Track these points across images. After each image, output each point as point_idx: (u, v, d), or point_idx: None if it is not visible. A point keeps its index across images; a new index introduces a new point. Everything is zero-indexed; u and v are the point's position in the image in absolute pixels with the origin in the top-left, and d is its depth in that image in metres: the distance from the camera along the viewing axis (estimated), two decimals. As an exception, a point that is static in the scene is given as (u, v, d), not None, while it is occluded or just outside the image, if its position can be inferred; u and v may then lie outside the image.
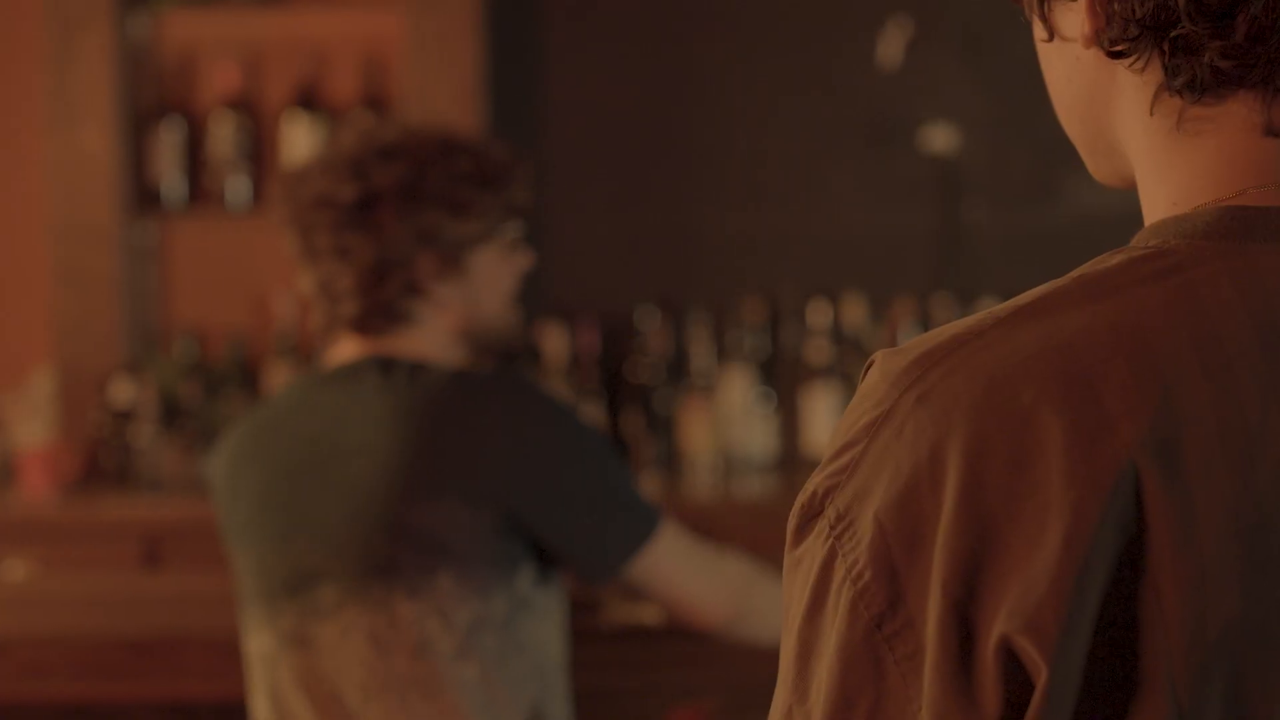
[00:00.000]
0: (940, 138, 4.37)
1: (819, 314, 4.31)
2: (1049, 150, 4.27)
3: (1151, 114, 1.00)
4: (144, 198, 4.32)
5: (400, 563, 2.23)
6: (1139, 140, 1.02)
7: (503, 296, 2.42)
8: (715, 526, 3.96)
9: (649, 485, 4.04)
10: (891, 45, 4.31)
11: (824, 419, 4.22)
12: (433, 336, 2.38)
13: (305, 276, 2.38)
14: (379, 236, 2.32)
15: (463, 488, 2.22)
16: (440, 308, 2.37)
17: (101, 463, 4.25)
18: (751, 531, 3.80)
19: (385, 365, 2.32)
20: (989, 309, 0.97)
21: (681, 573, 2.34)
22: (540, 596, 2.28)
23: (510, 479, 2.23)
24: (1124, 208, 1.02)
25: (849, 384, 4.23)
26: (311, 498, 2.29)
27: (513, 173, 2.41)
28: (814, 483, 0.97)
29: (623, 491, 2.31)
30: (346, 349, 2.39)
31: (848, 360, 4.26)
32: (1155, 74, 0.99)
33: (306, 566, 2.29)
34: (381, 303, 2.34)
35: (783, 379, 4.35)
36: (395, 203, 2.32)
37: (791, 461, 4.29)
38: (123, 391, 4.21)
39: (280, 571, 2.31)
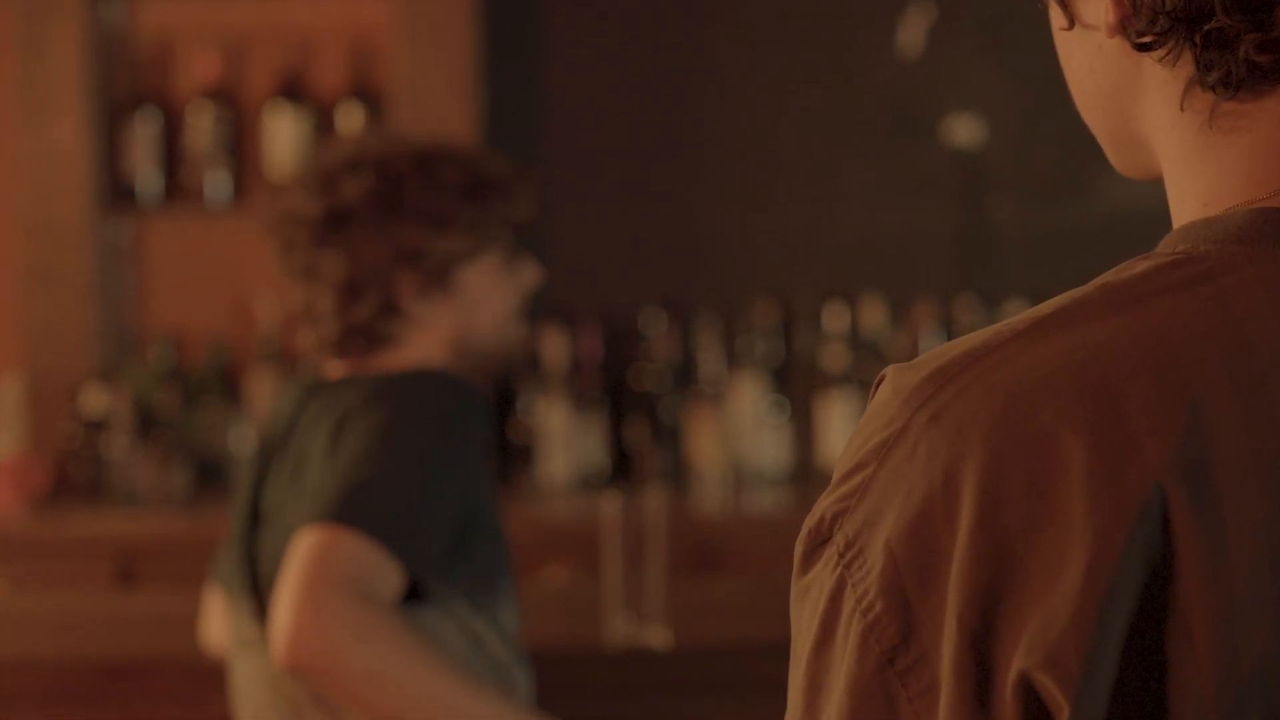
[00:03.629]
0: (964, 130, 4.37)
1: (835, 317, 4.31)
2: (1078, 143, 4.25)
3: (1181, 109, 1.00)
4: (118, 194, 4.33)
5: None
6: (1167, 136, 1.02)
7: (498, 316, 2.40)
8: (724, 543, 3.96)
9: (651, 498, 4.04)
10: (912, 32, 4.31)
11: (840, 429, 4.22)
12: (420, 356, 2.36)
13: (291, 296, 2.39)
14: (351, 255, 2.31)
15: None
16: (425, 328, 2.36)
17: (73, 475, 4.25)
18: (762, 549, 3.80)
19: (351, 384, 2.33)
20: (1007, 321, 0.97)
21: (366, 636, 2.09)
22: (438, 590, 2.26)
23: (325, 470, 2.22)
24: (1158, 204, 1.01)
25: (866, 392, 4.23)
26: (271, 520, 2.34)
27: (509, 183, 2.39)
28: (822, 507, 0.97)
29: (381, 479, 2.16)
30: (340, 368, 2.40)
31: (865, 367, 4.25)
32: (1186, 68, 0.99)
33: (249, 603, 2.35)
34: (358, 325, 2.33)
35: (796, 386, 4.35)
36: (368, 218, 2.31)
37: (805, 474, 4.29)
38: (95, 400, 4.22)
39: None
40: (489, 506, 2.30)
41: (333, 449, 2.23)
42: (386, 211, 2.31)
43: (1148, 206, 4.21)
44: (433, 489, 2.19)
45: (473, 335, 2.38)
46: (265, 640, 2.27)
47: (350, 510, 2.13)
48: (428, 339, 2.36)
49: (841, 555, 0.95)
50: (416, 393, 2.26)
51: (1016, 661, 0.89)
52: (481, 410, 2.30)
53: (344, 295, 2.32)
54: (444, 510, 2.20)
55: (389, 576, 2.12)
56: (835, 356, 4.28)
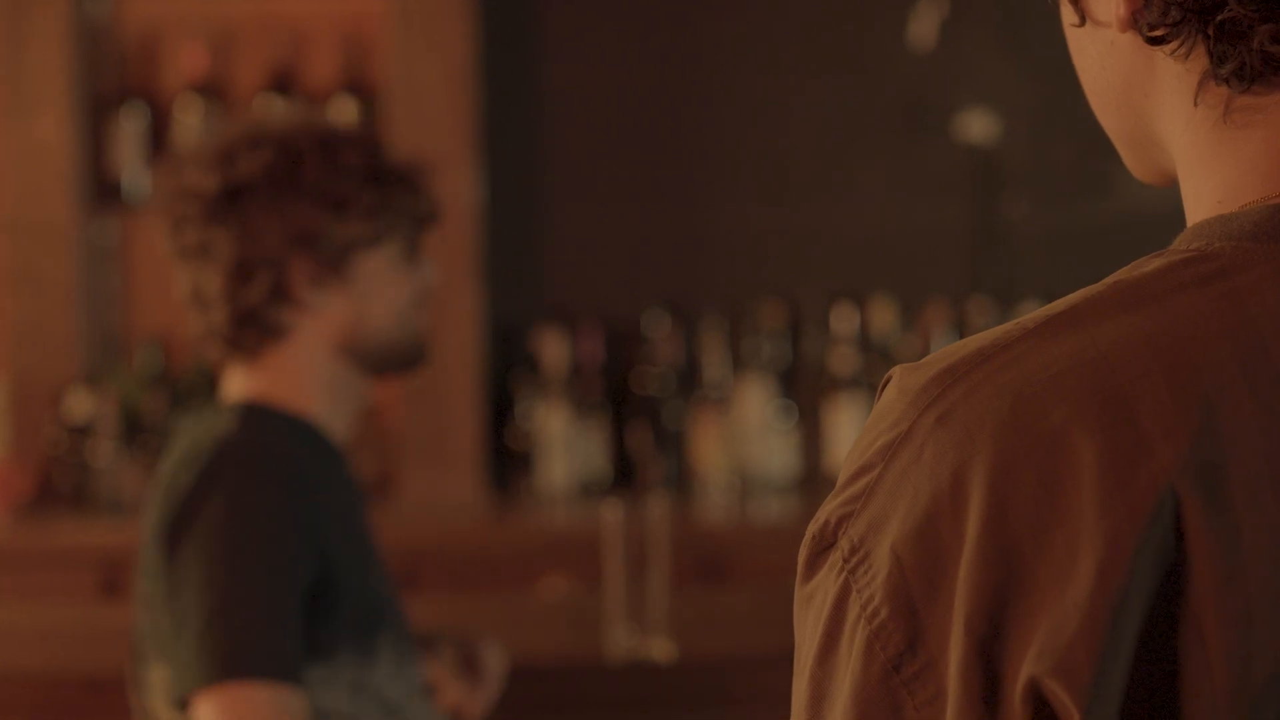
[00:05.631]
0: (977, 126, 4.38)
1: (844, 319, 4.31)
2: (1096, 139, 4.25)
3: (1195, 104, 1.01)
4: (103, 192, 4.33)
5: (146, 645, 2.29)
6: (1181, 133, 1.02)
7: (394, 308, 2.38)
8: (729, 552, 3.96)
9: (654, 506, 4.05)
10: (924, 24, 4.31)
11: (849, 434, 4.22)
12: (309, 354, 2.35)
13: (179, 280, 2.37)
14: (245, 233, 2.30)
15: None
16: (317, 317, 2.35)
17: (56, 483, 4.25)
18: (768, 558, 3.80)
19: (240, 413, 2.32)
20: (1017, 320, 0.97)
21: None
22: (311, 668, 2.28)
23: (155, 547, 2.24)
24: (1178, 203, 1.02)
25: (876, 396, 4.24)
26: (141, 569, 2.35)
27: (412, 174, 2.39)
28: (826, 511, 0.98)
29: (223, 616, 2.18)
30: (232, 386, 2.39)
31: (875, 370, 4.26)
32: (1199, 61, 0.99)
33: (132, 645, 2.38)
34: (248, 309, 2.31)
35: (804, 390, 4.35)
36: (264, 195, 2.30)
37: (813, 481, 4.29)
38: (80, 405, 4.22)
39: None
40: (348, 557, 2.30)
41: (169, 570, 2.21)
42: (284, 190, 2.30)
43: (1167, 205, 4.21)
44: (265, 592, 2.20)
45: (366, 327, 2.37)
46: (139, 689, 2.32)
47: (228, 663, 2.15)
48: (319, 328, 2.35)
49: (846, 560, 0.96)
50: (200, 502, 2.23)
51: (1026, 668, 0.90)
52: (289, 467, 2.27)
53: (234, 277, 2.30)
54: (288, 603, 2.22)
55: (293, 700, 2.16)
56: (844, 359, 4.29)
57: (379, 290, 2.37)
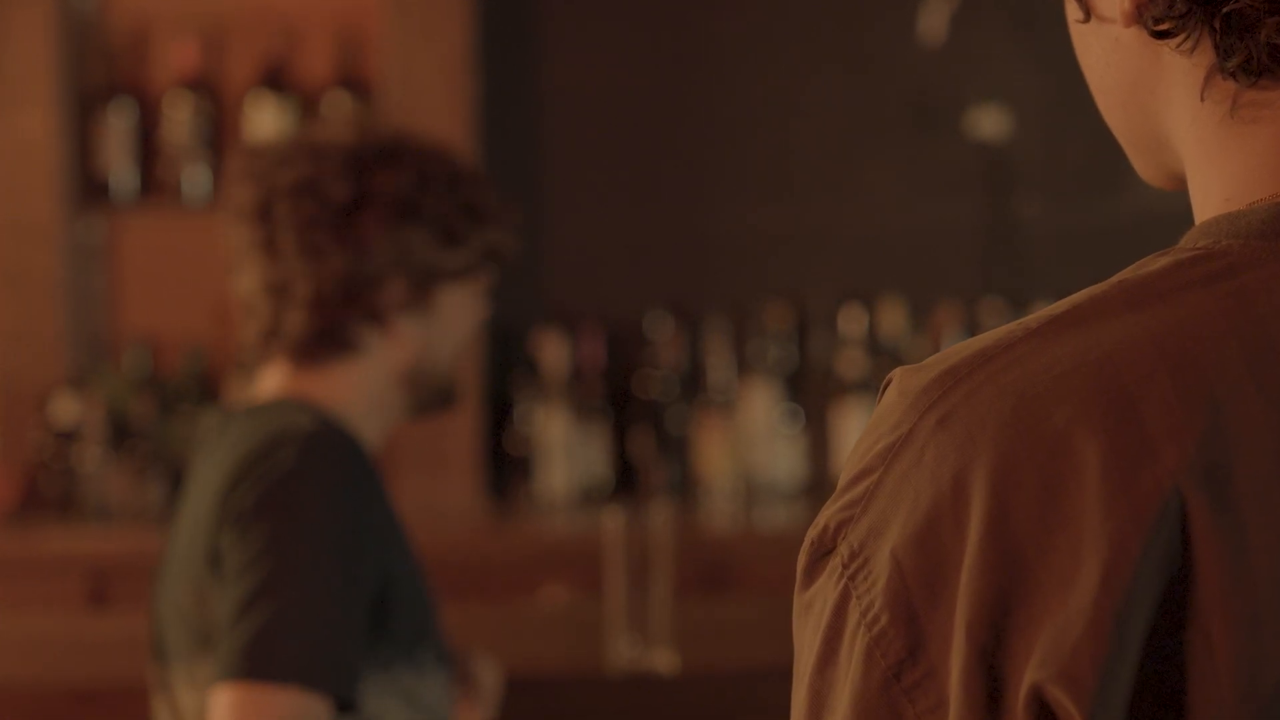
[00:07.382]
0: (989, 122, 4.38)
1: (852, 321, 4.31)
2: (1110, 136, 4.26)
3: (1202, 100, 1.01)
4: (90, 191, 4.34)
5: (176, 644, 2.28)
6: (1188, 130, 1.03)
7: (455, 346, 2.42)
8: (733, 560, 3.96)
9: (657, 513, 4.05)
10: (934, 18, 4.32)
11: (856, 439, 4.22)
12: (374, 374, 2.36)
13: (250, 273, 2.35)
14: (358, 246, 2.31)
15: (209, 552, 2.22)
16: (392, 342, 2.36)
17: (42, 489, 4.26)
18: (774, 567, 3.80)
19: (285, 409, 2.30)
20: (1020, 320, 0.98)
21: None
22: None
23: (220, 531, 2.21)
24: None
25: (885, 400, 4.24)
26: (168, 562, 2.33)
27: (507, 214, 2.43)
28: (825, 516, 0.98)
29: (282, 613, 2.14)
30: (271, 382, 2.37)
31: (884, 373, 4.26)
32: (1206, 55, 1.00)
33: (153, 644, 2.35)
34: (335, 322, 2.32)
35: (811, 394, 4.35)
36: (387, 214, 2.32)
37: (820, 487, 4.30)
38: (66, 409, 4.23)
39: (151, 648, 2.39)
40: (402, 569, 2.29)
41: (214, 564, 2.20)
42: (407, 213, 2.32)
43: (1182, 205, 4.22)
44: (339, 598, 2.18)
45: (432, 359, 2.38)
46: (167, 689, 2.30)
47: (260, 661, 2.11)
48: (390, 352, 2.35)
49: (845, 566, 0.96)
50: (297, 484, 2.21)
51: (1028, 674, 0.90)
52: (364, 471, 2.26)
53: (333, 286, 2.31)
54: (356, 612, 2.20)
55: (318, 711, 2.13)
56: (852, 362, 4.29)
57: (452, 323, 2.39)
